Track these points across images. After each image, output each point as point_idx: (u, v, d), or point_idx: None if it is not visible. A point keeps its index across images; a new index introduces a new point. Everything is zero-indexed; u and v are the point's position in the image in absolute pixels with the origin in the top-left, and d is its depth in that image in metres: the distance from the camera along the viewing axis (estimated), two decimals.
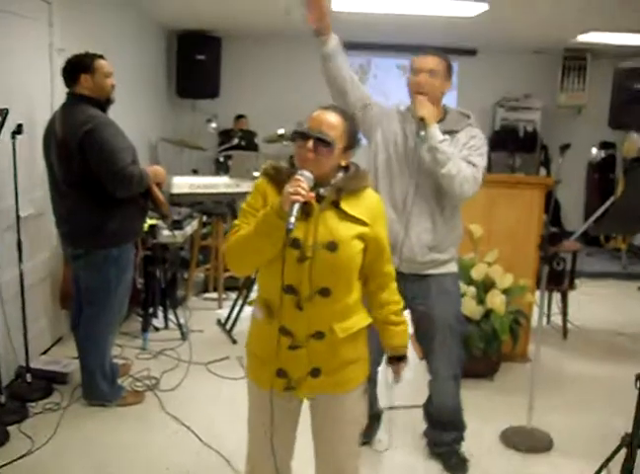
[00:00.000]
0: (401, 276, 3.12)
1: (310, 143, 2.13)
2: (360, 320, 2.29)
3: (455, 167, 2.93)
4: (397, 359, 2.46)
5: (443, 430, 3.44)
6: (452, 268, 3.26)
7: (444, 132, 3.02)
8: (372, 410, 3.51)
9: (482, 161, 3.07)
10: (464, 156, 3.00)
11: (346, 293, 2.23)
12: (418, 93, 3.02)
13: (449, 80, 3.09)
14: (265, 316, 2.22)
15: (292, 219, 1.98)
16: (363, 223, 2.20)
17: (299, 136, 2.16)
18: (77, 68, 3.62)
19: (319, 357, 2.21)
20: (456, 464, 3.44)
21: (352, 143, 2.24)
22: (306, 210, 2.11)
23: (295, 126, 7.65)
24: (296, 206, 2.00)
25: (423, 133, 2.94)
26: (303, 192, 2.02)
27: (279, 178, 2.19)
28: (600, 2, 5.68)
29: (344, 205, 2.18)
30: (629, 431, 2.93)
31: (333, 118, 2.18)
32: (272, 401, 2.21)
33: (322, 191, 2.16)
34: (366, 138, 3.20)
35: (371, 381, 3.37)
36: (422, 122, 2.94)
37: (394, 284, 2.42)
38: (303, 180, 2.05)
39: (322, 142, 2.13)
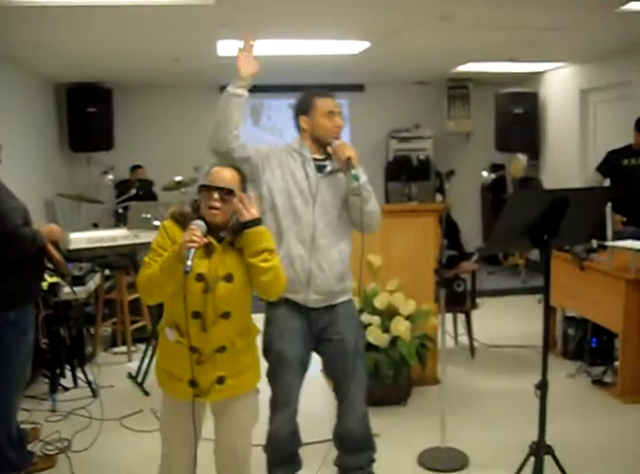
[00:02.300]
0: (309, 311, 3.20)
1: (216, 194, 2.54)
2: (254, 331, 2.81)
3: (374, 204, 3.12)
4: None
5: (357, 452, 3.43)
6: (351, 294, 3.37)
7: (337, 170, 3.15)
8: (299, 445, 3.49)
9: None
10: None
11: (243, 313, 2.71)
12: (336, 134, 3.17)
13: None
14: (176, 337, 2.62)
15: (189, 263, 2.40)
16: None
17: (205, 189, 2.58)
18: None
19: (223, 367, 2.65)
20: None
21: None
22: (209, 250, 2.56)
23: (192, 172, 7.64)
24: (192, 252, 2.42)
25: (355, 172, 3.03)
26: (197, 239, 2.43)
27: (185, 222, 2.58)
28: (473, 35, 5.99)
29: (237, 243, 2.62)
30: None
31: (229, 174, 2.64)
32: (194, 408, 2.63)
33: (222, 234, 2.61)
34: (253, 181, 3.24)
35: (295, 417, 3.37)
36: (350, 162, 3.04)
37: None
38: (197, 228, 2.47)
39: (226, 192, 2.56)
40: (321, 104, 3.18)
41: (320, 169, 3.17)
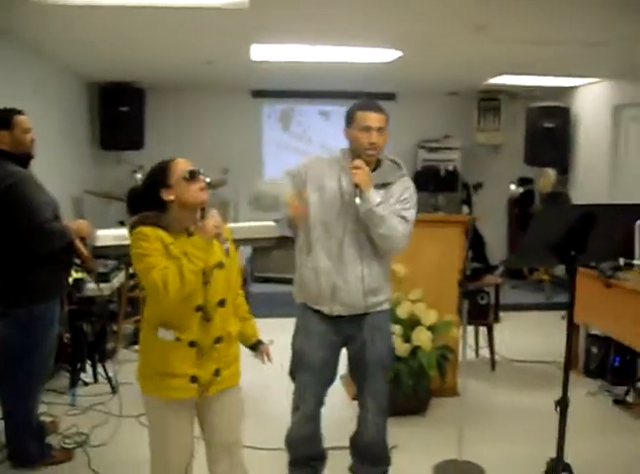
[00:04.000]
0: (338, 319, 3.22)
1: (202, 176, 2.63)
2: (237, 323, 2.88)
3: (389, 228, 3.06)
4: (256, 346, 3.00)
5: (372, 464, 3.47)
6: (386, 306, 3.36)
7: (379, 185, 3.13)
8: (318, 450, 3.53)
9: (413, 214, 3.21)
10: (397, 210, 3.11)
11: (233, 299, 2.82)
12: (369, 150, 3.12)
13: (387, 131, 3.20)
14: (175, 335, 2.62)
15: (227, 245, 2.68)
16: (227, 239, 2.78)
17: (196, 175, 2.61)
18: None
19: (219, 359, 2.71)
20: None
21: None
22: None
23: (221, 174, 7.70)
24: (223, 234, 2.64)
25: (358, 200, 3.04)
26: (220, 221, 2.62)
27: (162, 222, 2.61)
28: (507, 48, 5.96)
29: None
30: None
31: (185, 159, 2.71)
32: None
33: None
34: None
35: (314, 421, 3.40)
36: (357, 189, 3.03)
37: (241, 291, 3.00)
38: (216, 213, 2.63)
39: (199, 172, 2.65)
40: (360, 117, 3.13)
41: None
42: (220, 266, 2.68)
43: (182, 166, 2.64)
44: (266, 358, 3.01)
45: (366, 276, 3.17)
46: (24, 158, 3.66)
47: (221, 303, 2.70)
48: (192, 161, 2.69)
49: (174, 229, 2.61)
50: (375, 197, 3.06)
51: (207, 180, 2.64)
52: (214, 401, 2.77)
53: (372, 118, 3.12)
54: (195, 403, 2.77)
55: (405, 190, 3.20)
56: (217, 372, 2.71)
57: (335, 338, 3.29)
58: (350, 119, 3.18)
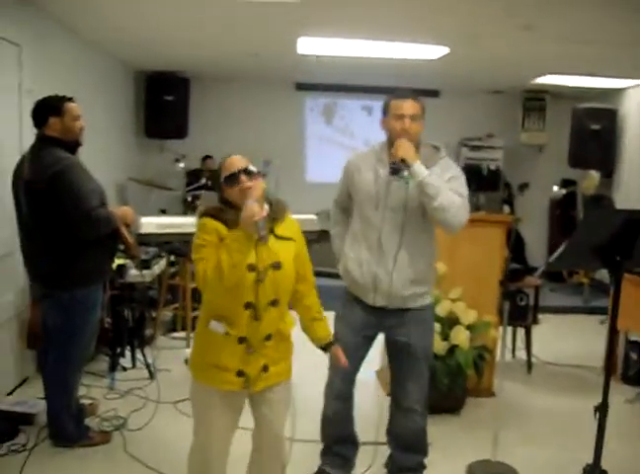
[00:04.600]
0: (379, 310, 3.24)
1: (243, 176, 2.61)
2: (291, 322, 2.84)
3: (446, 199, 3.01)
4: (328, 347, 2.97)
5: (412, 452, 3.49)
6: (428, 299, 3.37)
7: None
8: (349, 431, 3.57)
9: (466, 190, 3.18)
10: (449, 188, 3.09)
11: (287, 299, 2.79)
12: (402, 136, 3.09)
13: (424, 120, 3.20)
14: (226, 329, 2.64)
15: (263, 232, 2.50)
16: (291, 239, 2.75)
17: (232, 179, 2.62)
18: (46, 111, 3.66)
19: (267, 355, 2.72)
20: None
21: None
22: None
23: (262, 165, 7.71)
24: (261, 223, 2.48)
25: (407, 174, 3.02)
26: (257, 210, 2.47)
27: (223, 216, 2.61)
28: (554, 48, 5.88)
29: (277, 231, 2.71)
30: (591, 462, 3.01)
31: (239, 157, 2.69)
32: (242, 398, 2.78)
33: None
34: None
35: (346, 400, 3.43)
36: (403, 163, 3.02)
37: (314, 291, 2.95)
38: (253, 203, 2.49)
39: (247, 171, 2.62)
40: (394, 105, 3.15)
41: (396, 172, 3.11)
42: (277, 266, 2.65)
43: (230, 165, 2.65)
44: (336, 362, 3.01)
45: (408, 265, 3.18)
46: (72, 145, 3.72)
47: (274, 303, 2.68)
48: (239, 153, 2.71)
49: (234, 224, 2.55)
50: (424, 169, 3.03)
51: (249, 184, 2.59)
52: (265, 395, 2.79)
53: (406, 107, 3.13)
54: (246, 396, 2.81)
55: (447, 169, 3.17)
56: (266, 368, 2.72)
57: (372, 327, 3.33)
58: (385, 108, 3.22)
